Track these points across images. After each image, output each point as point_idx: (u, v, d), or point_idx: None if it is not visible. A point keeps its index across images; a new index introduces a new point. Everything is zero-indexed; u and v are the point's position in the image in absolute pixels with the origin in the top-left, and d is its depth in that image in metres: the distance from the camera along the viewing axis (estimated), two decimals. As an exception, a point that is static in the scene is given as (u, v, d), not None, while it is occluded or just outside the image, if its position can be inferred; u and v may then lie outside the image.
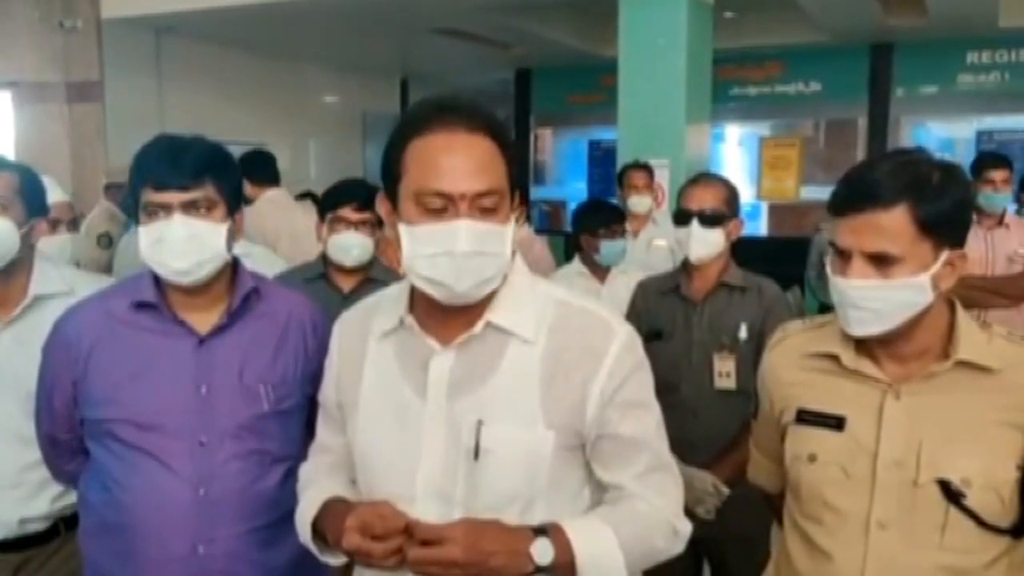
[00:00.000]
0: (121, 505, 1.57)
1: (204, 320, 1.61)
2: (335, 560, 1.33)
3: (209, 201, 1.56)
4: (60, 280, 1.98)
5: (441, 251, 1.17)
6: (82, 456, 1.68)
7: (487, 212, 1.18)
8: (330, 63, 8.13)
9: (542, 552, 1.15)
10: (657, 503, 1.27)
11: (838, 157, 8.46)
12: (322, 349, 1.67)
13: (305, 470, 1.46)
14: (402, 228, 1.21)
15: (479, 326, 1.24)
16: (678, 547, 1.31)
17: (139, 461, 1.56)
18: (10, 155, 6.32)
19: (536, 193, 9.34)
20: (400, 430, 1.26)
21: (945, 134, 8.31)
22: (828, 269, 1.37)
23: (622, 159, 4.92)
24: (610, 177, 5.12)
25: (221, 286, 1.62)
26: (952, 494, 1.32)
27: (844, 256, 1.32)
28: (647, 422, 1.29)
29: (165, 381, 1.57)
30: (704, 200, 2.36)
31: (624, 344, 1.25)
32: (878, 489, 1.35)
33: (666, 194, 4.81)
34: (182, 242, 1.53)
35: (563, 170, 9.76)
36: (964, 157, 7.93)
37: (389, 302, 1.34)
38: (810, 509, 1.43)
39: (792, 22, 6.92)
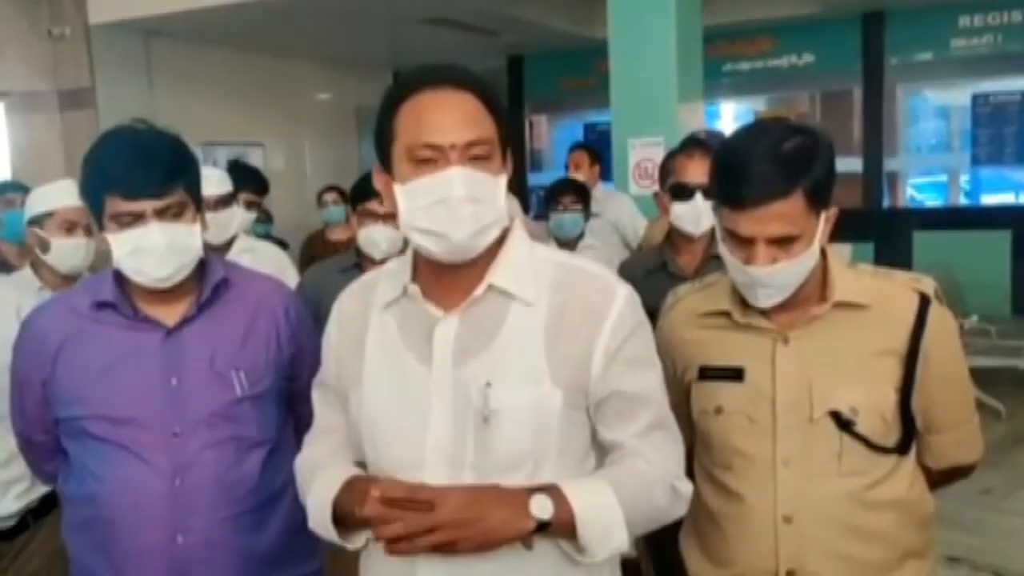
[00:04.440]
0: (98, 499, 1.58)
1: (170, 312, 1.60)
2: (352, 544, 1.33)
3: (180, 205, 1.54)
4: (5, 283, 1.99)
5: (436, 199, 1.20)
6: (61, 455, 1.68)
7: (478, 160, 1.21)
8: (320, 59, 8.11)
9: (541, 507, 1.16)
10: (656, 462, 1.27)
11: (835, 129, 8.42)
12: (297, 334, 1.67)
13: (308, 455, 1.44)
14: (397, 189, 1.24)
15: (481, 288, 1.25)
16: (680, 508, 1.32)
17: (114, 454, 1.56)
18: (5, 166, 6.26)
19: (533, 180, 9.30)
20: (406, 398, 1.27)
21: (941, 100, 8.28)
22: (726, 254, 1.44)
23: (617, 140, 4.91)
24: (605, 160, 5.12)
25: (190, 279, 1.60)
26: (843, 423, 1.45)
27: (747, 242, 1.40)
28: (650, 378, 1.30)
29: (134, 375, 1.57)
30: (706, 173, 2.33)
31: (625, 303, 1.27)
32: (779, 430, 1.47)
33: (662, 172, 4.79)
34: (162, 250, 1.52)
35: (559, 156, 9.71)
36: (961, 121, 7.92)
37: (390, 274, 1.35)
38: (721, 458, 1.54)
39: (782, -6, 6.89)
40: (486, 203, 1.21)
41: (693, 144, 2.52)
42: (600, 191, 4.62)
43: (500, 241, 1.29)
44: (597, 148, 4.97)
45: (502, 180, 1.24)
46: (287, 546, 1.64)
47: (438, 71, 1.25)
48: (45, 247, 2.38)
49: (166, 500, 1.54)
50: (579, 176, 4.55)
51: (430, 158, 1.20)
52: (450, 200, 1.19)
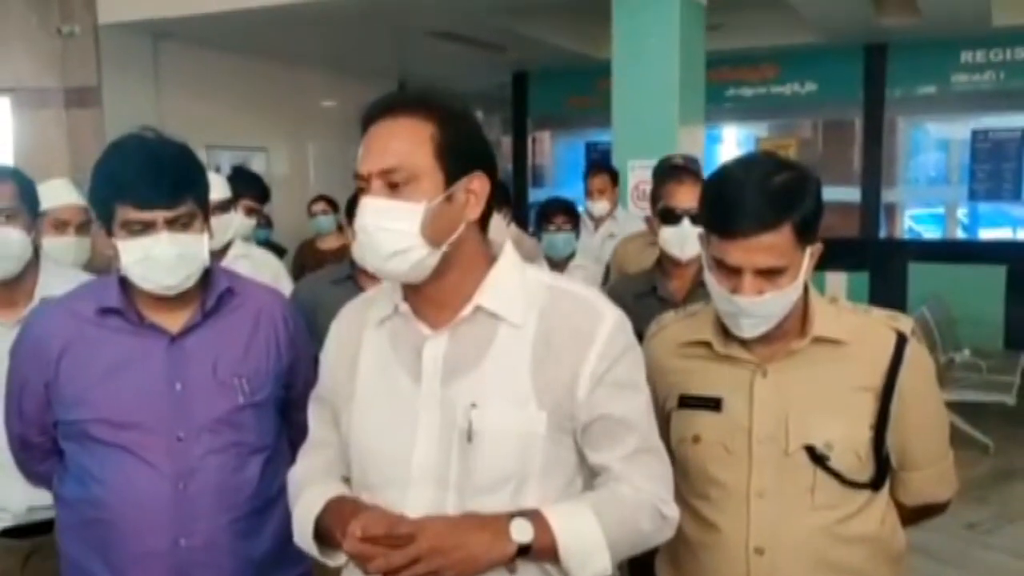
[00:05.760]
0: (99, 501, 1.59)
1: (174, 319, 1.62)
2: (333, 562, 1.34)
3: (190, 216, 1.56)
4: (66, 281, 1.97)
5: (358, 227, 1.25)
6: (55, 457, 1.69)
7: (394, 188, 1.22)
8: (328, 67, 8.16)
9: (520, 530, 1.18)
10: (642, 486, 1.28)
11: (835, 158, 8.47)
12: (295, 343, 1.70)
13: (299, 470, 1.45)
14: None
15: (468, 309, 1.26)
16: (667, 532, 1.33)
17: (117, 457, 1.57)
18: (9, 161, 6.28)
19: (535, 196, 9.33)
20: (395, 416, 1.28)
21: (941, 134, 8.33)
22: (713, 283, 1.45)
23: (617, 160, 4.95)
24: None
25: (194, 287, 1.62)
26: (817, 458, 1.46)
27: (734, 272, 1.41)
28: (637, 403, 1.30)
29: (138, 380, 1.58)
30: (695, 199, 2.37)
31: (613, 327, 1.27)
32: (755, 462, 1.49)
33: (661, 194, 4.82)
34: (172, 260, 1.54)
35: (561, 173, 9.77)
36: (960, 155, 7.97)
37: (384, 292, 1.37)
38: (698, 487, 1.55)
39: (785, 23, 6.94)
40: (394, 232, 1.22)
41: (680, 170, 2.54)
42: (620, 213, 4.65)
43: (489, 261, 1.30)
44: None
45: (419, 208, 1.21)
46: (281, 550, 1.65)
47: (383, 101, 1.27)
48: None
49: (171, 504, 1.56)
50: (604, 200, 4.52)
51: (362, 187, 1.25)
52: (360, 229, 1.24)
